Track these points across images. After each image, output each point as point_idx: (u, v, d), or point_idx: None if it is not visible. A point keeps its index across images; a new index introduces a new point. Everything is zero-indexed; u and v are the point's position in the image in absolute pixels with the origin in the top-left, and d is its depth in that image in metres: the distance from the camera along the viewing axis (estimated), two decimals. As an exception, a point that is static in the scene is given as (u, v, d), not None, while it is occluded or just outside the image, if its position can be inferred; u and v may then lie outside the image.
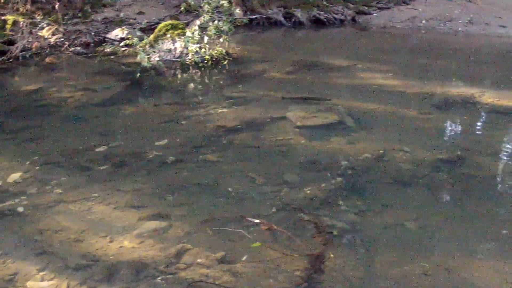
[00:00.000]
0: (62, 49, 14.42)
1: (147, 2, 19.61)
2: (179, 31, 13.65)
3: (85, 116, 9.61)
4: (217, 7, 14.26)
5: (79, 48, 14.69)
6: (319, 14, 19.45)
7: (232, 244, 5.71)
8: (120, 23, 16.91)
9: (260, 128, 8.96)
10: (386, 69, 13.11)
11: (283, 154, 8.00)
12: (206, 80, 12.66)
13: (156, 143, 8.30)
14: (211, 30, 13.52)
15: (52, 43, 14.52)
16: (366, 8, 20.84)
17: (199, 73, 12.73)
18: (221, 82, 12.54)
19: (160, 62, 12.85)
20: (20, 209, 6.42)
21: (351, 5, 20.55)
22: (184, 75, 12.65)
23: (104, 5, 18.66)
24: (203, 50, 13.18)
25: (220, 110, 9.80)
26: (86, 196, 6.68)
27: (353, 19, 19.81)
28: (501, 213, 6.57)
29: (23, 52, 13.77)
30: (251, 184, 7.04)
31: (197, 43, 13.27)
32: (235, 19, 14.87)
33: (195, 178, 7.20)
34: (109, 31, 15.97)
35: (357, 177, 7.29)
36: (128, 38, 13.98)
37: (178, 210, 6.38)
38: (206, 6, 13.98)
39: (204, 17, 13.90)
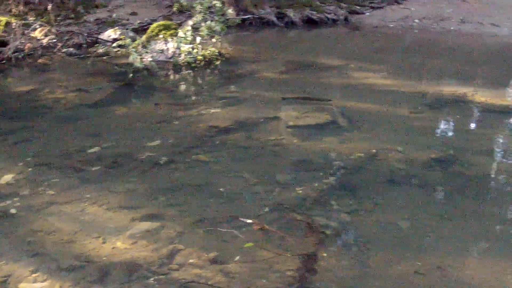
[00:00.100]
0: (55, 50, 14.38)
1: (140, 2, 19.61)
2: (172, 31, 13.66)
3: (78, 117, 9.60)
4: (209, 7, 14.25)
5: (71, 49, 14.65)
6: (311, 14, 19.44)
7: (225, 244, 5.71)
8: (112, 23, 16.89)
9: (253, 128, 8.96)
10: (379, 69, 13.13)
11: (275, 154, 8.00)
12: (199, 81, 12.66)
13: (149, 144, 8.30)
14: (204, 30, 13.53)
15: (44, 44, 14.47)
16: (358, 7, 20.87)
17: (192, 73, 12.72)
18: (214, 82, 12.56)
19: (153, 63, 12.84)
20: (13, 210, 6.40)
21: (344, 5, 20.55)
22: (177, 75, 12.64)
23: (97, 6, 18.66)
24: (195, 50, 13.17)
25: (212, 111, 9.80)
26: (78, 197, 6.67)
27: (346, 19, 19.79)
28: (493, 212, 6.58)
29: (16, 53, 13.72)
30: (244, 184, 7.04)
31: (190, 43, 13.26)
32: (227, 19, 14.86)
33: (188, 179, 7.20)
34: (101, 32, 15.93)
35: (350, 177, 7.31)
36: (120, 39, 13.95)
37: (171, 211, 6.38)
38: (199, 6, 13.98)
39: (196, 17, 13.90)
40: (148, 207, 6.44)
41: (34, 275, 5.23)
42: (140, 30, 16.06)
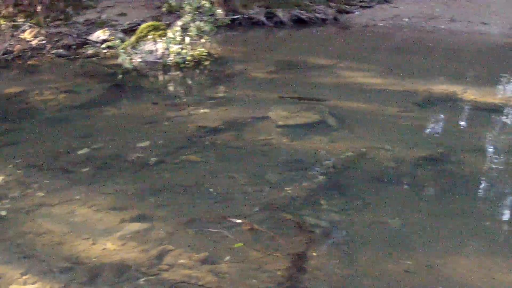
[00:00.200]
0: (44, 52, 14.32)
1: (129, 3, 19.56)
2: (161, 32, 13.63)
3: (68, 118, 9.57)
4: (198, 7, 14.22)
5: (61, 50, 14.59)
6: (300, 13, 19.43)
7: (214, 245, 5.71)
8: (102, 24, 16.84)
9: (242, 128, 8.96)
10: (368, 68, 13.15)
11: (265, 153, 8.01)
12: (188, 81, 12.66)
13: (138, 145, 8.29)
14: (193, 30, 13.50)
15: (34, 46, 14.42)
16: (348, 7, 20.86)
17: (181, 74, 12.71)
18: (203, 82, 12.55)
19: (142, 64, 12.84)
20: (3, 212, 6.39)
21: (333, 4, 20.54)
22: (166, 76, 12.63)
23: (86, 7, 18.60)
24: (184, 51, 13.15)
25: (202, 111, 9.80)
26: (68, 198, 6.66)
27: (335, 18, 19.77)
28: (483, 210, 6.62)
29: (5, 55, 13.69)
30: (233, 184, 7.04)
31: (179, 44, 13.25)
32: (216, 19, 14.80)
33: (177, 179, 7.20)
34: (91, 33, 15.87)
35: (339, 176, 7.32)
36: (110, 40, 13.95)
37: (160, 211, 6.38)
38: (188, 6, 13.95)
39: (185, 17, 13.88)
40: (138, 208, 6.43)
41: (24, 277, 5.22)
42: (129, 31, 15.98)
